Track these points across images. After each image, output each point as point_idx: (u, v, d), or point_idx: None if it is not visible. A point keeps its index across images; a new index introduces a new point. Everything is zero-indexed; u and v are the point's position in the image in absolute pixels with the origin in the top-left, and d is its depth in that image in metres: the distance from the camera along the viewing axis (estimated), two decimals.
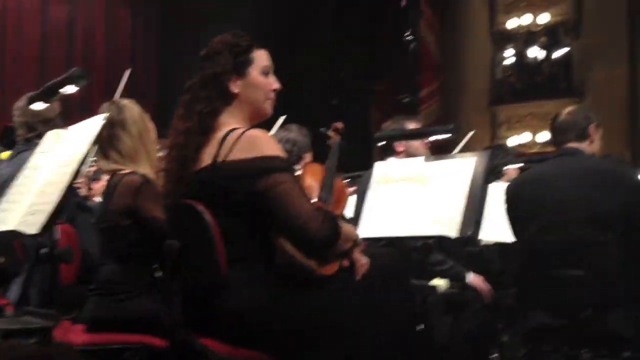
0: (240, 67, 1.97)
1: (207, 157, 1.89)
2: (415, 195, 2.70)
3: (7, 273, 2.71)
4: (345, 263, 1.92)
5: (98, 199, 3.80)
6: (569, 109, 2.85)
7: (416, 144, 3.44)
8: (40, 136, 2.52)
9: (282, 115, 3.57)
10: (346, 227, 1.88)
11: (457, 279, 3.07)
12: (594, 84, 11.00)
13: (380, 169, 2.87)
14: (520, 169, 3.75)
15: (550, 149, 10.07)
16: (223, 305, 1.81)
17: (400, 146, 3.48)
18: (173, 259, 1.93)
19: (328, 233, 1.79)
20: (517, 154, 4.53)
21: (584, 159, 2.71)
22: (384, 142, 3.25)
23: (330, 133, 2.61)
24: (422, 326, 2.39)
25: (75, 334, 2.30)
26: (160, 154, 2.50)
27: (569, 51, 11.76)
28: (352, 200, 2.92)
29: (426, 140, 3.39)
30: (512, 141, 11.13)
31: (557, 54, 11.80)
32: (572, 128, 2.74)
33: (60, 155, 2.16)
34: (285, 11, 11.55)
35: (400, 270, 2.10)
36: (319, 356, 1.82)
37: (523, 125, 11.57)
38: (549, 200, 2.66)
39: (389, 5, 13.25)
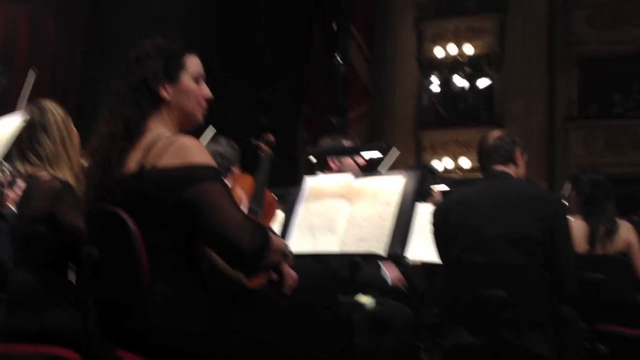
0: (172, 72, 1.90)
1: (132, 164, 1.80)
2: (343, 212, 2.69)
3: None
4: (274, 276, 1.88)
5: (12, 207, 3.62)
6: (496, 133, 2.91)
7: (350, 162, 3.48)
8: None
9: (211, 127, 3.53)
10: (276, 240, 1.84)
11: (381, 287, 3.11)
12: (513, 115, 11.45)
13: (310, 184, 2.85)
14: (446, 191, 3.82)
15: (471, 175, 10.38)
16: (144, 318, 1.73)
17: (333, 163, 3.51)
18: (91, 268, 1.83)
19: (258, 245, 1.74)
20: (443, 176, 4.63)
21: (511, 182, 2.78)
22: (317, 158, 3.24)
23: (262, 145, 2.56)
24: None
25: None
26: (83, 161, 2.40)
27: (491, 83, 12.22)
28: (279, 215, 2.88)
29: (360, 160, 3.42)
30: (435, 166, 11.40)
31: (480, 84, 12.24)
32: (499, 152, 2.80)
33: None
34: (215, 27, 11.48)
35: (328, 286, 2.08)
36: None
37: (446, 151, 11.89)
38: (474, 221, 2.70)
39: (320, 28, 13.40)
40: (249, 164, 3.19)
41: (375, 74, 12.56)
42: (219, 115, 1.92)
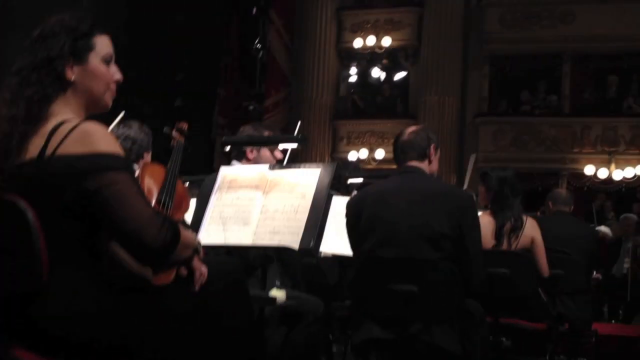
0: (79, 52, 1.78)
1: (33, 149, 1.69)
2: (258, 204, 2.65)
3: None
4: (183, 272, 1.81)
5: None
6: (411, 128, 2.94)
7: (267, 153, 3.44)
8: None
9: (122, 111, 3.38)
10: (186, 234, 1.77)
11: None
12: (428, 108, 11.70)
13: (225, 174, 2.79)
14: (363, 184, 3.84)
15: (386, 166, 10.55)
16: (42, 313, 1.63)
17: (250, 153, 3.45)
18: None
19: (166, 239, 1.66)
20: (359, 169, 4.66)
21: (423, 178, 2.81)
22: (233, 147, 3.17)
23: (174, 133, 2.46)
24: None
25: None
26: None
27: (407, 75, 12.44)
28: (192, 205, 2.80)
29: (278, 154, 3.38)
30: (351, 156, 11.52)
31: (397, 76, 12.44)
32: (413, 148, 2.83)
33: None
34: (130, 6, 11.09)
35: (239, 280, 2.03)
36: None
37: (362, 142, 12.02)
38: (386, 215, 2.72)
39: (238, 12, 13.21)
40: (159, 152, 3.09)
41: (295, 62, 12.53)
42: (132, 97, 1.83)
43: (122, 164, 1.70)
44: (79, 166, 1.64)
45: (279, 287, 2.67)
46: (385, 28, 12.28)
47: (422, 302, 2.56)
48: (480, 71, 11.96)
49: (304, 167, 2.72)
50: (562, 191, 5.08)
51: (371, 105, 12.50)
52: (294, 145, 2.83)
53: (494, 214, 3.63)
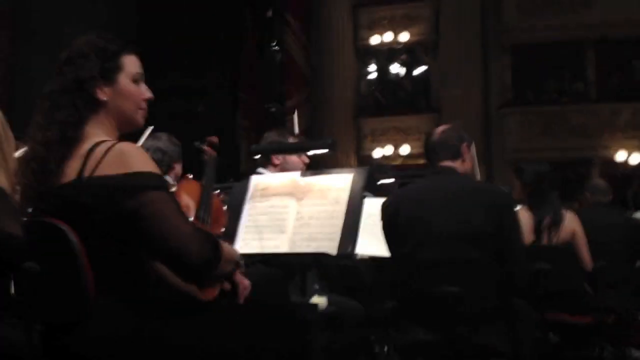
0: (108, 73, 1.77)
1: (70, 172, 1.69)
2: (292, 211, 2.62)
3: None
4: (227, 286, 1.80)
5: None
6: (441, 127, 2.88)
7: (294, 158, 3.41)
8: None
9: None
10: (227, 248, 1.75)
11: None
12: (450, 101, 11.60)
13: (256, 182, 2.77)
14: (394, 185, 3.79)
15: (411, 162, 10.47)
16: (89, 335, 1.62)
17: (277, 159, 3.43)
18: (32, 283, 1.71)
19: (209, 256, 1.65)
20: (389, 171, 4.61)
21: (458, 177, 2.76)
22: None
23: (206, 148, 2.44)
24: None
25: None
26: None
27: (427, 69, 12.34)
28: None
29: (305, 156, 3.36)
30: (376, 153, 11.46)
31: (417, 71, 12.35)
32: (445, 147, 2.78)
33: None
34: (146, 13, 11.15)
35: (281, 290, 2.01)
36: None
37: (386, 139, 11.95)
38: (423, 217, 2.68)
39: (254, 15, 13.22)
40: (192, 167, 3.08)
41: (313, 62, 12.50)
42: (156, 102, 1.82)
43: (160, 182, 1.69)
44: (117, 187, 1.63)
45: (320, 294, 2.64)
46: (402, 23, 12.20)
47: (466, 302, 2.51)
48: (502, 61, 11.82)
49: (336, 172, 2.69)
50: (600, 181, 4.97)
51: (393, 101, 12.43)
52: (324, 151, 2.79)
53: (532, 209, 3.57)
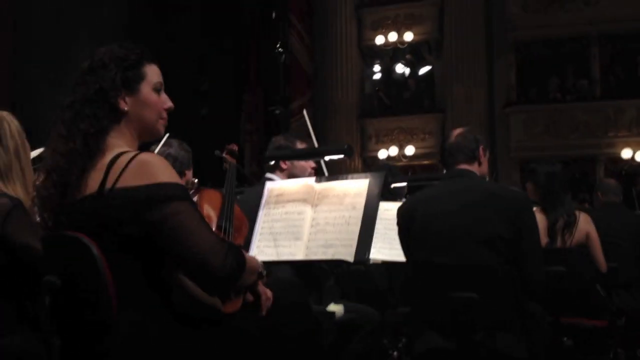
0: (131, 82, 1.77)
1: (92, 183, 1.68)
2: (307, 217, 2.61)
3: None
4: (250, 297, 1.79)
5: None
6: (458, 130, 2.87)
7: (302, 163, 3.41)
8: None
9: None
10: (250, 259, 1.74)
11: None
12: (455, 101, 11.58)
13: (271, 188, 2.76)
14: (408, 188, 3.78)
15: (416, 162, 10.42)
16: (113, 349, 1.61)
17: (284, 164, 3.43)
18: (53, 297, 1.70)
19: (233, 267, 1.64)
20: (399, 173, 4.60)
21: (475, 181, 2.75)
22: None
23: (225, 156, 2.43)
24: None
25: None
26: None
27: (431, 69, 12.32)
28: None
29: (311, 163, 3.36)
30: (381, 154, 11.44)
31: (421, 71, 12.33)
32: (462, 150, 2.77)
33: None
34: (147, 16, 11.15)
35: (302, 300, 2.00)
36: None
37: (390, 139, 11.93)
38: (439, 221, 2.66)
39: (258, 17, 13.21)
40: (212, 175, 3.07)
41: (317, 63, 12.48)
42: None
43: (183, 193, 1.68)
44: (140, 198, 1.62)
45: (336, 301, 2.64)
46: (406, 23, 12.17)
47: (483, 308, 2.49)
48: (506, 59, 11.80)
49: (352, 177, 2.68)
50: (611, 181, 4.94)
51: (398, 102, 12.41)
52: (340, 156, 2.79)
53: (545, 211, 3.56)
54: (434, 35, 12.18)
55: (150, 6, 11.28)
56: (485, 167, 2.81)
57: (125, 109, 1.76)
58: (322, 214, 2.59)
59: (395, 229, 2.90)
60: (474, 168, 2.77)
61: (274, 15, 12.97)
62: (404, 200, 3.55)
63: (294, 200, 2.70)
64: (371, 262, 3.51)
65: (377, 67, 12.54)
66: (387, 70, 12.47)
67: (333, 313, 2.47)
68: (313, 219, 2.60)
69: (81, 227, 1.66)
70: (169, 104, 1.86)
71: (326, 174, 3.54)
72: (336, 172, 3.46)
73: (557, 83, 11.61)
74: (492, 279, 2.54)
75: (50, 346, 1.98)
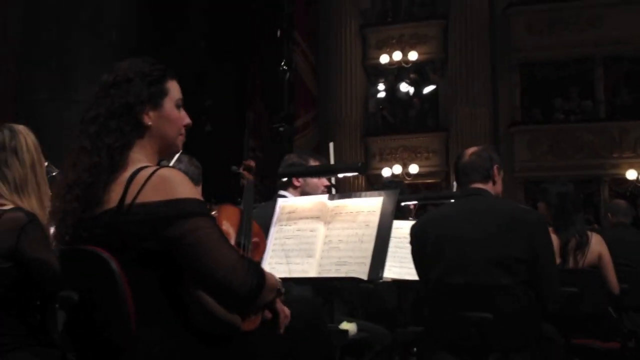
0: (155, 97, 1.77)
1: (112, 198, 1.66)
2: (320, 235, 2.60)
3: None
4: (268, 315, 1.77)
5: None
6: (472, 149, 2.87)
7: (314, 180, 3.40)
8: None
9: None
10: (269, 276, 1.73)
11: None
12: (459, 120, 11.60)
13: (283, 205, 2.75)
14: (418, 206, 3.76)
15: (419, 180, 10.40)
16: None
17: (297, 181, 3.42)
18: (70, 313, 1.69)
19: (254, 285, 1.62)
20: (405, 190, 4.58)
21: (490, 200, 2.73)
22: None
23: (243, 172, 2.43)
24: None
25: None
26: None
27: (435, 88, 12.36)
28: None
29: (324, 181, 3.35)
30: (385, 172, 11.44)
31: (426, 90, 12.37)
32: (476, 169, 2.76)
33: None
34: (151, 31, 11.20)
35: (318, 320, 1.99)
36: None
37: (394, 158, 11.94)
38: (453, 241, 2.65)
39: (263, 35, 13.29)
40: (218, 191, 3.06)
41: (321, 81, 12.53)
42: None
43: (203, 209, 1.67)
44: (160, 213, 1.61)
45: (349, 320, 2.61)
46: (410, 42, 12.24)
47: (498, 329, 2.47)
48: (510, 80, 11.84)
49: (365, 195, 2.67)
50: (621, 202, 4.93)
51: (402, 121, 12.44)
52: (355, 174, 2.78)
53: (557, 232, 3.53)
54: (438, 55, 12.24)
55: (156, 27, 11.35)
56: (499, 186, 2.80)
57: (149, 123, 1.76)
58: (335, 232, 2.58)
59: (406, 247, 2.88)
60: (488, 187, 2.76)
61: (279, 33, 13.04)
62: (410, 218, 3.53)
63: (306, 217, 2.69)
64: (381, 280, 3.50)
65: (381, 86, 12.59)
66: (392, 89, 12.51)
67: (346, 331, 2.44)
68: (326, 236, 2.59)
69: (100, 242, 1.65)
70: (187, 120, 1.86)
71: (333, 191, 3.54)
72: (339, 191, 3.45)
73: (561, 103, 11.63)
74: (507, 300, 2.51)
75: None
